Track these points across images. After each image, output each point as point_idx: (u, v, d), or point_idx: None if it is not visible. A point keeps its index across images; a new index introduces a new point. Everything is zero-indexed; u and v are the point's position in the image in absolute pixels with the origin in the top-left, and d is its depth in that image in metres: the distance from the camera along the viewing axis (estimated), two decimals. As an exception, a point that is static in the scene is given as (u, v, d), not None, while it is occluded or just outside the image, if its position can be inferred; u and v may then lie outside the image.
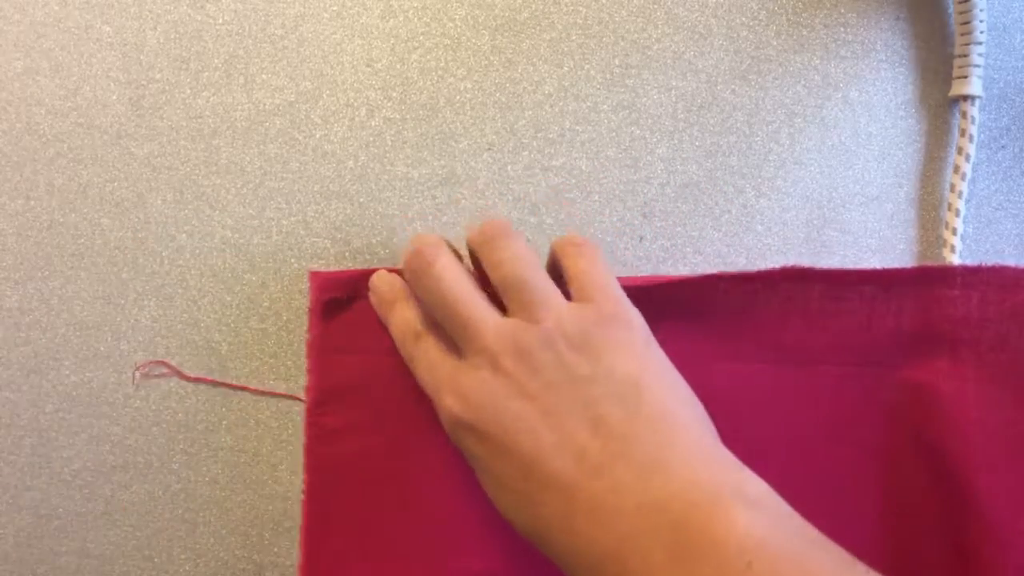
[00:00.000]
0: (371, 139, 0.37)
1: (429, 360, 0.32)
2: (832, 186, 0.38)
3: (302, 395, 0.37)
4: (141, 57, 0.37)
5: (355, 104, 0.37)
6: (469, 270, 0.33)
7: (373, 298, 0.35)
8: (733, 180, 0.38)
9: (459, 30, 0.38)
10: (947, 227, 0.37)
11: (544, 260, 0.34)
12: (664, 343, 0.32)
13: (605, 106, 0.38)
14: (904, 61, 0.38)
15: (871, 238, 0.37)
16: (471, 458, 0.31)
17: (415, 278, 0.32)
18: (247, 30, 0.37)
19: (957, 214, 0.37)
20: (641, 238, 0.37)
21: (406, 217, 0.37)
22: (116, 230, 0.37)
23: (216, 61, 0.37)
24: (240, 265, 0.37)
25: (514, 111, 0.38)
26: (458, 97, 0.38)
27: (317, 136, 0.37)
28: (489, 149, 0.38)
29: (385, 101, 0.38)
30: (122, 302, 0.37)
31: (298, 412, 0.37)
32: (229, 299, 0.37)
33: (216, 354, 0.37)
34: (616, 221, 0.37)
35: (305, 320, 0.37)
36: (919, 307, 0.34)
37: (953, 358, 0.33)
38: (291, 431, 0.37)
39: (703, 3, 0.38)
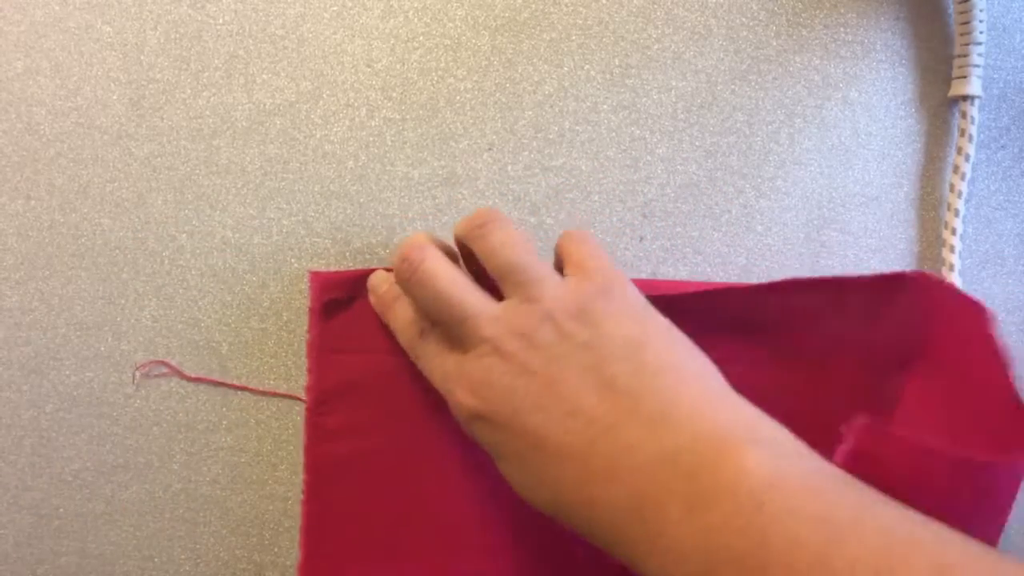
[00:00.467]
0: (371, 139, 0.37)
1: (436, 357, 0.32)
2: (832, 186, 0.38)
3: (302, 395, 0.37)
4: (141, 57, 0.37)
5: (355, 104, 0.37)
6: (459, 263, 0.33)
7: (372, 298, 0.35)
8: (733, 180, 0.38)
9: (459, 30, 0.38)
10: (947, 227, 0.37)
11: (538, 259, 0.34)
12: None
13: (605, 106, 0.38)
14: (904, 61, 0.38)
15: (871, 238, 0.37)
16: (489, 448, 0.31)
17: (406, 284, 0.32)
18: (247, 30, 0.37)
19: (957, 214, 0.37)
20: (641, 238, 0.37)
21: (406, 217, 0.37)
22: (116, 230, 0.37)
23: (216, 61, 0.37)
24: (240, 265, 0.37)
25: (514, 111, 0.38)
26: (458, 97, 0.38)
27: (317, 136, 0.37)
28: (489, 149, 0.38)
29: (385, 101, 0.38)
30: (122, 302, 0.37)
31: (298, 412, 0.37)
32: (229, 299, 0.37)
33: (216, 354, 0.37)
34: (616, 221, 0.37)
35: (305, 320, 0.37)
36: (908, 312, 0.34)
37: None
38: (291, 431, 0.37)
39: (703, 3, 0.38)
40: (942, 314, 0.32)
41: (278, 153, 0.37)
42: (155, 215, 0.37)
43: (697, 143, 0.38)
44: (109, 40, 0.37)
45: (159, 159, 0.37)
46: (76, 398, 0.37)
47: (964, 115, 0.37)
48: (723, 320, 0.35)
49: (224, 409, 0.37)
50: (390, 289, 0.35)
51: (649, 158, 0.38)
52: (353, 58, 0.38)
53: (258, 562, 0.37)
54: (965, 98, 0.37)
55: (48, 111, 0.37)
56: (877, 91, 0.38)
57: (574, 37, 0.38)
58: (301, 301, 0.37)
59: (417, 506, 0.36)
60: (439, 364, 0.32)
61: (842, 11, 0.38)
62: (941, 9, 0.38)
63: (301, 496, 0.36)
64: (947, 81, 0.38)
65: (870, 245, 0.37)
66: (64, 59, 0.37)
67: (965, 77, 0.37)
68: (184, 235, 0.37)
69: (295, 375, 0.37)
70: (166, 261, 0.37)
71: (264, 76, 0.37)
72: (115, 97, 0.37)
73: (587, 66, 0.38)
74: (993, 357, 0.30)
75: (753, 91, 0.38)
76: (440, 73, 0.38)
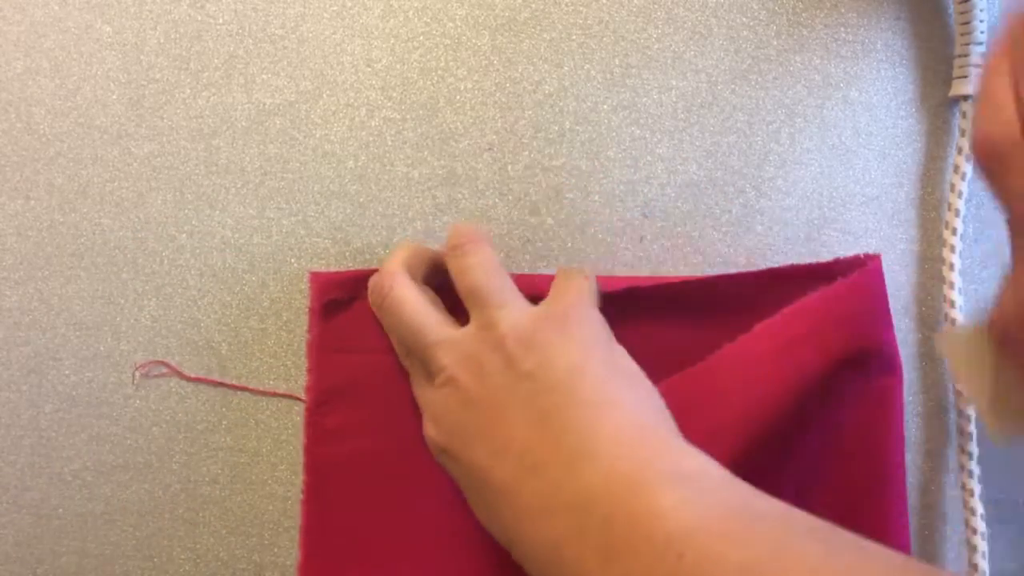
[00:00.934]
0: (371, 139, 0.37)
1: (414, 383, 0.33)
2: (832, 186, 0.38)
3: (302, 395, 0.37)
4: (141, 57, 0.37)
5: (355, 104, 0.37)
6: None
7: (371, 299, 0.36)
8: (733, 180, 0.38)
9: (459, 30, 0.38)
10: (947, 227, 0.37)
11: (545, 259, 0.34)
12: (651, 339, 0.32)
13: (605, 106, 0.38)
14: (904, 61, 0.38)
15: (871, 238, 0.37)
16: (455, 481, 0.31)
17: (378, 312, 0.32)
18: (247, 30, 0.37)
19: (957, 214, 0.37)
20: (641, 238, 0.37)
21: (406, 217, 0.37)
22: (116, 230, 0.37)
23: (216, 61, 0.37)
24: (240, 265, 0.37)
25: (514, 111, 0.38)
26: (458, 97, 0.38)
27: (317, 136, 0.37)
28: (489, 149, 0.38)
29: (385, 101, 0.37)
30: (122, 302, 0.37)
31: (298, 412, 0.37)
32: (229, 299, 0.37)
33: (216, 354, 0.37)
34: (616, 221, 0.37)
35: (305, 320, 0.37)
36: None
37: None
38: (291, 431, 0.37)
39: (703, 3, 0.38)
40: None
41: (278, 153, 0.37)
42: (155, 215, 0.37)
43: (697, 143, 0.38)
44: (109, 40, 0.37)
45: (159, 159, 0.37)
46: (75, 398, 0.37)
47: (964, 115, 0.37)
48: (686, 310, 0.35)
49: (224, 409, 0.37)
50: None
51: (649, 158, 0.38)
52: (353, 58, 0.38)
53: (258, 562, 0.37)
54: (965, 98, 0.37)
55: (48, 111, 0.37)
56: (877, 91, 0.38)
57: (574, 37, 0.38)
58: (301, 301, 0.37)
59: (417, 506, 0.36)
60: (417, 391, 0.33)
61: (842, 11, 0.38)
62: (941, 9, 0.38)
63: (301, 496, 0.36)
64: (947, 81, 0.38)
65: (871, 245, 0.37)
66: (64, 59, 0.37)
67: (966, 77, 0.37)
68: (184, 235, 0.37)
69: (295, 375, 0.37)
70: (166, 261, 0.37)
71: (264, 76, 0.37)
72: (115, 97, 0.37)
73: (587, 66, 0.38)
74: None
75: (753, 91, 0.38)
76: (440, 73, 0.38)
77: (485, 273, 0.31)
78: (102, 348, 0.37)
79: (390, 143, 0.37)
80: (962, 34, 0.37)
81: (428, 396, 0.31)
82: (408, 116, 0.37)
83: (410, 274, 0.33)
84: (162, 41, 0.37)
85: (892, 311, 0.35)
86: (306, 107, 0.37)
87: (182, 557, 0.37)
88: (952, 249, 0.37)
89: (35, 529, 0.37)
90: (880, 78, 0.38)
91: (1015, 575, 0.37)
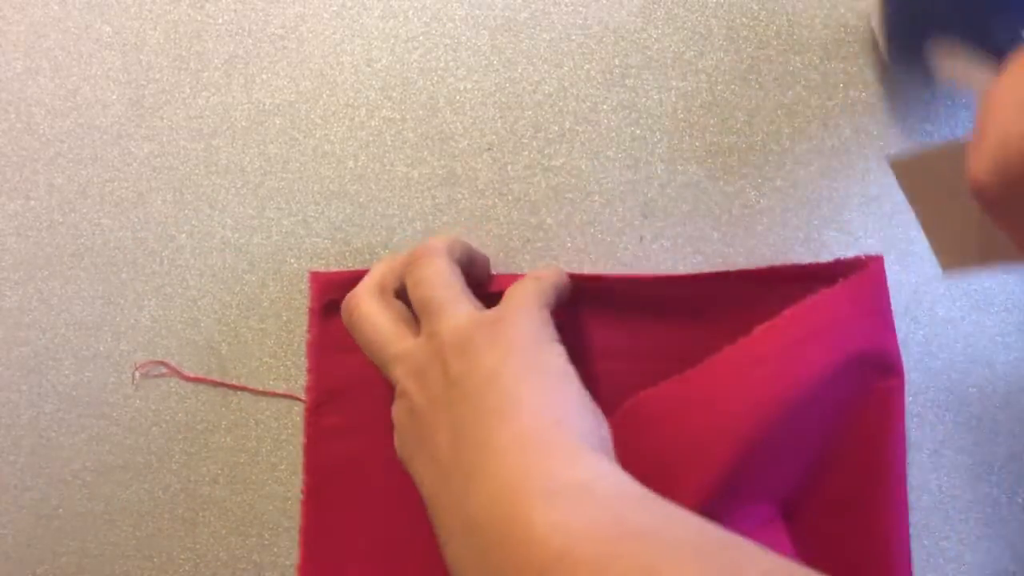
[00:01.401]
0: (371, 139, 0.37)
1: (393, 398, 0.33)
2: (832, 186, 0.38)
3: (302, 395, 0.37)
4: (141, 57, 0.37)
5: (355, 104, 0.37)
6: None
7: (343, 319, 0.35)
8: (733, 180, 0.38)
9: (459, 30, 0.38)
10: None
11: (542, 258, 0.34)
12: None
13: (605, 106, 0.38)
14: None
15: (871, 238, 0.37)
16: None
17: (349, 331, 0.32)
18: (247, 30, 0.37)
19: (957, 214, 0.37)
20: (641, 238, 0.37)
21: (406, 217, 0.37)
22: (116, 230, 0.37)
23: (216, 61, 0.37)
24: (240, 265, 0.37)
25: (514, 111, 0.38)
26: (458, 97, 0.38)
27: (317, 136, 0.37)
28: (489, 149, 0.38)
29: (385, 101, 0.37)
30: (122, 302, 0.37)
31: (298, 412, 0.37)
32: (229, 299, 0.37)
33: (216, 354, 0.37)
34: (616, 221, 0.37)
35: (305, 320, 0.37)
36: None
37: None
38: (291, 431, 0.37)
39: (703, 3, 0.38)
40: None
41: (278, 153, 0.37)
42: (154, 215, 0.37)
43: (697, 143, 0.38)
44: (108, 40, 0.37)
45: (158, 159, 0.37)
46: (75, 398, 0.37)
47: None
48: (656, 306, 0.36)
49: (223, 409, 0.37)
50: None
51: (649, 158, 0.38)
52: (353, 58, 0.38)
53: (257, 562, 0.37)
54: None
55: (47, 111, 0.37)
56: (877, 90, 0.38)
57: (574, 37, 0.38)
58: (301, 301, 0.37)
59: (416, 506, 0.36)
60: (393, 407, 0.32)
61: (842, 11, 0.38)
62: (941, 9, 0.38)
63: (300, 496, 0.36)
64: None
65: (870, 245, 0.37)
66: (63, 59, 0.37)
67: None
68: (183, 235, 0.37)
69: (294, 375, 0.37)
70: (165, 261, 0.37)
71: (264, 76, 0.37)
72: (114, 97, 0.37)
73: (587, 66, 0.38)
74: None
75: (753, 91, 0.38)
76: (440, 73, 0.38)
77: (432, 285, 0.30)
78: (102, 348, 0.37)
79: (390, 143, 0.37)
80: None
81: (392, 409, 0.31)
82: (408, 116, 0.37)
83: (383, 288, 0.33)
84: (162, 41, 0.37)
85: (893, 312, 0.35)
86: (306, 107, 0.37)
87: (182, 557, 0.37)
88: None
89: (35, 529, 0.37)
90: (880, 78, 0.38)
91: (1015, 575, 0.37)
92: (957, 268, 0.29)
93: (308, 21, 0.37)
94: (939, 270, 0.37)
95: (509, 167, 0.37)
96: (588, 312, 0.36)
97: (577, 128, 0.38)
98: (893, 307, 0.35)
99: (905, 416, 0.35)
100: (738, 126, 0.38)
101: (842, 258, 0.35)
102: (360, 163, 0.37)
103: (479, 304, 0.31)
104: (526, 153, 0.38)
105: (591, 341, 0.36)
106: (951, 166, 0.27)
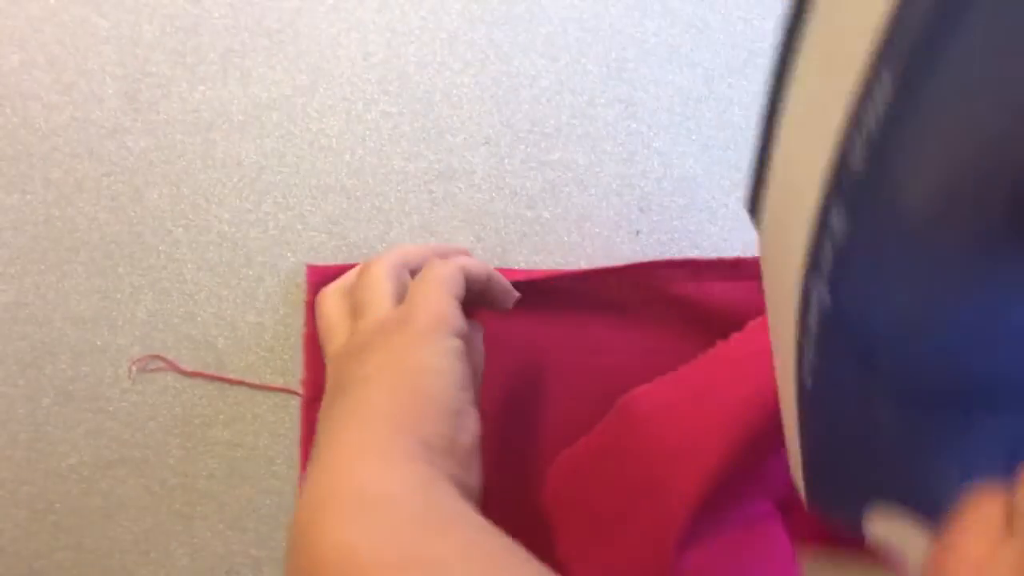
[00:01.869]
0: (368, 133, 0.37)
1: None
2: (828, 180, 0.38)
3: (299, 389, 0.37)
4: (137, 51, 0.37)
5: (352, 98, 0.37)
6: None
7: None
8: (730, 174, 0.38)
9: (455, 24, 0.38)
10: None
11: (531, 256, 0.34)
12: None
13: (602, 100, 0.38)
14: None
15: (867, 232, 0.38)
16: None
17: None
18: (243, 24, 0.37)
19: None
20: (638, 232, 0.37)
21: (403, 211, 0.37)
22: (112, 224, 0.37)
23: (212, 55, 0.37)
24: (237, 259, 0.37)
25: (511, 105, 0.38)
26: (455, 91, 0.38)
27: (314, 130, 0.37)
28: (486, 143, 0.38)
29: (382, 95, 0.37)
30: (118, 296, 0.37)
31: (295, 406, 0.37)
32: (226, 293, 0.37)
33: (213, 348, 0.37)
34: (613, 215, 0.37)
35: (302, 314, 0.37)
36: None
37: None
38: (288, 425, 0.37)
39: (700, -3, 0.38)
40: None
41: (274, 147, 0.37)
42: (151, 209, 0.37)
43: (694, 137, 0.38)
44: (105, 34, 0.37)
45: (155, 153, 0.37)
46: (72, 393, 0.37)
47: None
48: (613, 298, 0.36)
49: (221, 403, 0.37)
50: None
51: (646, 152, 0.38)
52: (349, 52, 0.38)
53: (255, 556, 0.37)
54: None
55: (43, 105, 0.37)
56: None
57: (570, 31, 0.38)
58: (298, 295, 0.37)
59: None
60: None
61: (839, 5, 0.38)
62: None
63: (297, 491, 0.36)
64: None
65: (867, 239, 0.37)
66: (59, 53, 0.37)
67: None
68: (180, 229, 0.37)
69: (292, 369, 0.37)
70: (162, 255, 0.37)
71: (260, 70, 0.37)
72: (111, 91, 0.37)
73: (584, 60, 0.38)
74: None
75: (750, 85, 0.38)
76: (437, 67, 0.38)
77: (362, 288, 0.31)
78: (99, 343, 0.37)
79: (386, 137, 0.37)
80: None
81: None
82: (405, 110, 0.37)
83: (348, 288, 0.33)
84: (158, 35, 0.37)
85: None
86: (302, 101, 0.37)
87: (179, 552, 0.37)
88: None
89: (32, 524, 0.37)
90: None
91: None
92: None
93: (304, 15, 0.37)
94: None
95: (506, 161, 0.37)
96: (576, 308, 0.36)
97: (574, 122, 0.38)
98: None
99: None
100: (735, 120, 0.38)
101: None
102: (357, 157, 0.37)
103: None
104: (523, 147, 0.38)
105: (582, 336, 0.36)
106: None
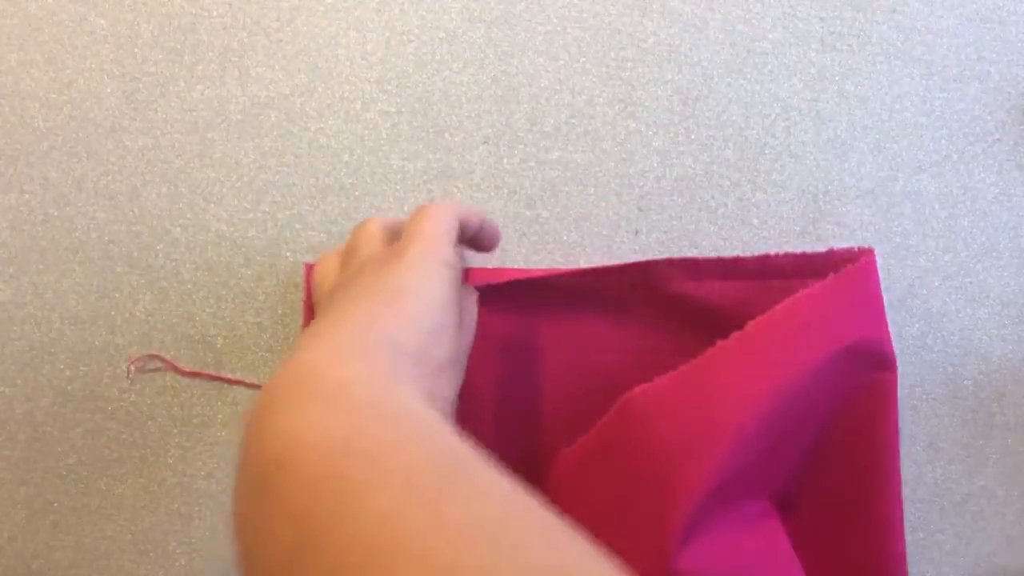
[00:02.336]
0: (366, 132, 0.37)
1: None
2: (827, 180, 0.38)
3: (297, 389, 0.37)
4: (135, 50, 0.37)
5: (350, 97, 0.37)
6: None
7: None
8: (729, 173, 0.38)
9: (454, 23, 0.38)
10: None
11: (540, 255, 0.34)
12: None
13: (601, 99, 0.38)
14: (899, 54, 0.38)
15: (866, 231, 0.38)
16: None
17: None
18: (241, 23, 0.37)
19: (952, 207, 0.37)
20: (637, 231, 0.37)
21: (401, 210, 0.37)
22: (110, 224, 0.37)
23: (210, 54, 0.37)
24: (235, 259, 0.37)
25: (510, 105, 0.37)
26: (454, 91, 0.38)
27: (312, 129, 0.37)
28: (485, 143, 0.37)
29: (380, 94, 0.37)
30: (117, 296, 0.37)
31: (293, 406, 0.37)
32: (224, 293, 0.37)
33: (211, 348, 0.37)
34: (612, 214, 0.37)
35: (300, 314, 0.37)
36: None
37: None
38: (286, 425, 0.37)
39: (699, -4, 0.38)
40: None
41: (273, 146, 0.37)
42: (149, 209, 0.37)
43: (693, 136, 0.38)
44: (103, 33, 0.37)
45: (153, 152, 0.37)
46: (70, 392, 0.37)
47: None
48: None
49: (219, 403, 0.37)
50: None
51: (645, 151, 0.37)
52: (348, 51, 0.37)
53: (253, 556, 0.37)
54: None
55: (42, 104, 0.37)
56: (872, 84, 0.38)
57: (570, 30, 0.38)
58: (296, 295, 0.37)
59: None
60: None
61: (837, 4, 0.38)
62: (935, 3, 0.38)
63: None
64: (942, 73, 0.38)
65: (865, 239, 0.37)
66: (58, 52, 0.37)
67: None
68: (178, 229, 0.37)
69: (290, 369, 0.37)
70: (160, 255, 0.37)
71: (258, 69, 0.37)
72: (109, 90, 0.37)
73: (583, 59, 0.38)
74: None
75: (749, 84, 0.38)
76: (435, 66, 0.38)
77: (355, 236, 0.31)
78: (97, 342, 0.37)
79: (385, 136, 0.37)
80: (957, 27, 0.37)
81: None
82: (403, 109, 0.37)
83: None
84: (156, 34, 0.37)
85: (887, 305, 0.35)
86: (301, 100, 0.37)
87: (178, 551, 0.37)
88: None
89: (30, 524, 0.37)
90: (876, 71, 0.38)
91: (1018, 574, 0.37)
92: None
93: (303, 14, 0.37)
94: (934, 263, 0.37)
95: (505, 160, 0.37)
96: (575, 305, 0.36)
97: (573, 121, 0.38)
98: (888, 300, 0.35)
99: (900, 409, 0.35)
100: (734, 119, 0.38)
101: (835, 248, 0.35)
102: (355, 156, 0.37)
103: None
104: (522, 147, 0.37)
105: (581, 335, 0.36)
106: None
